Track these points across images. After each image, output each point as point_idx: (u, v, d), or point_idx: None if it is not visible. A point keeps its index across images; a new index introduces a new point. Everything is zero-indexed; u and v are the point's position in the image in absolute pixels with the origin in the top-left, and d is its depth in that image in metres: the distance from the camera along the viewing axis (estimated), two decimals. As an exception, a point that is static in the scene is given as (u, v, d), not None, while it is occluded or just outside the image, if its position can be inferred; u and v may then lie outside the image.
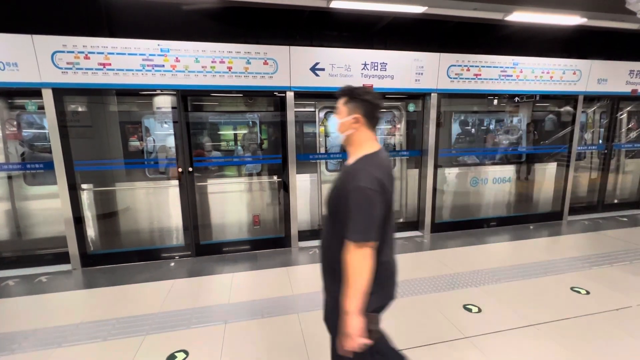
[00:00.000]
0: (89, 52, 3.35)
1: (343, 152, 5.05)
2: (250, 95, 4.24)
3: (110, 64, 3.41)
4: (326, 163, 4.91)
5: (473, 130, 5.84)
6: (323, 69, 3.96)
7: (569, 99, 5.08)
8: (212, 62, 3.64)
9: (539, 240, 4.53)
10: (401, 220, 5.05)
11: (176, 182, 3.92)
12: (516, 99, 5.20)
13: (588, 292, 3.06)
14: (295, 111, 4.02)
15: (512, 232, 4.83)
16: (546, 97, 5.05)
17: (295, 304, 2.91)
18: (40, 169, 3.65)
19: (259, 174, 4.73)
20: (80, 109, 4.03)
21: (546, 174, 5.56)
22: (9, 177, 3.91)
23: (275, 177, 4.46)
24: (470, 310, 2.78)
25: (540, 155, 5.57)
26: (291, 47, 3.81)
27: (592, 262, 3.71)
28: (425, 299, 2.97)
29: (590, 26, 4.49)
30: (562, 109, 5.46)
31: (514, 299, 2.94)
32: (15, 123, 3.73)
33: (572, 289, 3.12)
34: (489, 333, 2.48)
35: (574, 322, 2.62)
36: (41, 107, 3.42)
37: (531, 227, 5.07)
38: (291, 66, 3.85)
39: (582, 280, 3.29)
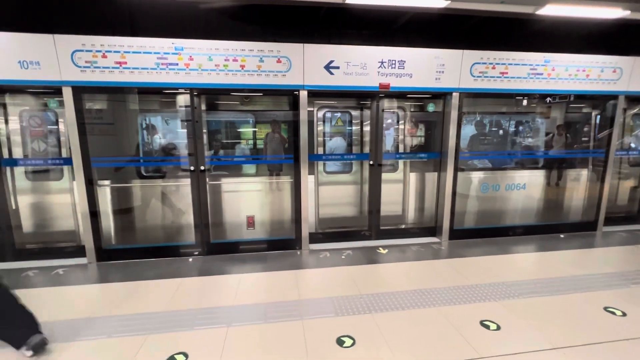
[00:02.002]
0: (107, 51, 3.41)
1: (360, 153, 4.91)
2: (263, 93, 4.17)
3: (126, 63, 3.46)
4: (324, 164, 4.79)
5: (499, 131, 5.50)
6: (338, 67, 3.84)
7: (608, 99, 4.66)
8: (225, 60, 3.61)
9: (569, 253, 4.18)
10: (412, 224, 4.83)
11: (188, 180, 3.93)
12: (548, 99, 4.84)
13: (624, 314, 2.75)
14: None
15: (539, 242, 4.49)
16: (579, 97, 4.66)
17: (300, 309, 2.81)
18: (59, 164, 3.77)
19: (277, 174, 4.66)
20: (100, 107, 4.15)
21: (579, 179, 5.14)
22: (34, 172, 4.07)
23: (286, 178, 4.39)
24: (487, 327, 2.57)
25: (572, 159, 5.16)
26: (305, 44, 3.71)
27: (629, 279, 3.36)
28: (438, 311, 2.78)
29: (634, 19, 4.09)
30: (598, 111, 5.04)
31: (537, 317, 2.69)
32: (38, 120, 3.87)
33: (605, 309, 2.82)
34: (508, 354, 2.27)
35: (607, 348, 2.35)
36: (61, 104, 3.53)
37: (561, 237, 4.70)
38: (305, 64, 3.76)
39: (618, 299, 2.97)
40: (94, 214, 3.76)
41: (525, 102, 4.93)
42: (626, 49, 4.57)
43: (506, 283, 3.26)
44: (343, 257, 3.98)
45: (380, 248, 4.26)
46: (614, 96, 4.58)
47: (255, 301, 2.94)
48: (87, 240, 3.78)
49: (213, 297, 3.04)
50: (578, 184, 5.14)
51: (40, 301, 2.97)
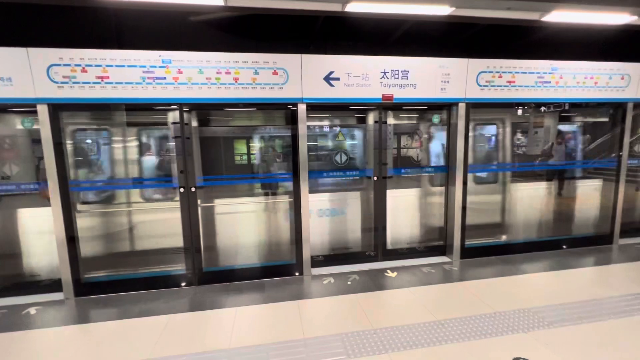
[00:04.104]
0: (87, 65, 3.13)
1: (363, 169, 4.64)
2: (259, 108, 3.90)
3: (108, 77, 3.17)
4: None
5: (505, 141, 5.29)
6: (338, 79, 3.61)
7: (616, 107, 4.51)
8: (217, 72, 3.35)
9: (591, 270, 3.91)
10: (417, 243, 4.53)
11: (177, 203, 3.59)
12: (542, 108, 4.65)
13: (671, 344, 2.46)
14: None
15: (555, 259, 4.20)
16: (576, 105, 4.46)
17: (307, 350, 2.46)
18: (34, 190, 3.42)
19: (273, 194, 4.34)
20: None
21: (590, 190, 4.93)
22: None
23: (285, 197, 4.08)
24: (523, 366, 2.25)
25: (582, 169, 4.97)
26: (303, 55, 3.49)
27: (664, 300, 3.08)
28: (465, 348, 2.45)
29: (641, 25, 3.98)
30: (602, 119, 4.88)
31: (576, 352, 2.38)
32: (8, 142, 3.53)
33: (649, 338, 2.53)
34: (554, 403, 1.94)
35: (663, 388, 2.04)
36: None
37: (576, 252, 4.43)
38: (303, 76, 3.52)
39: (659, 325, 2.68)
40: (72, 241, 3.39)
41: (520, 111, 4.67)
42: (634, 55, 4.46)
43: (532, 309, 2.95)
44: (349, 282, 3.64)
45: (389, 271, 3.93)
46: (622, 104, 4.43)
47: (255, 342, 2.57)
48: (64, 273, 3.38)
49: (206, 337, 2.66)
50: (590, 195, 4.93)
51: (4, 351, 2.56)
